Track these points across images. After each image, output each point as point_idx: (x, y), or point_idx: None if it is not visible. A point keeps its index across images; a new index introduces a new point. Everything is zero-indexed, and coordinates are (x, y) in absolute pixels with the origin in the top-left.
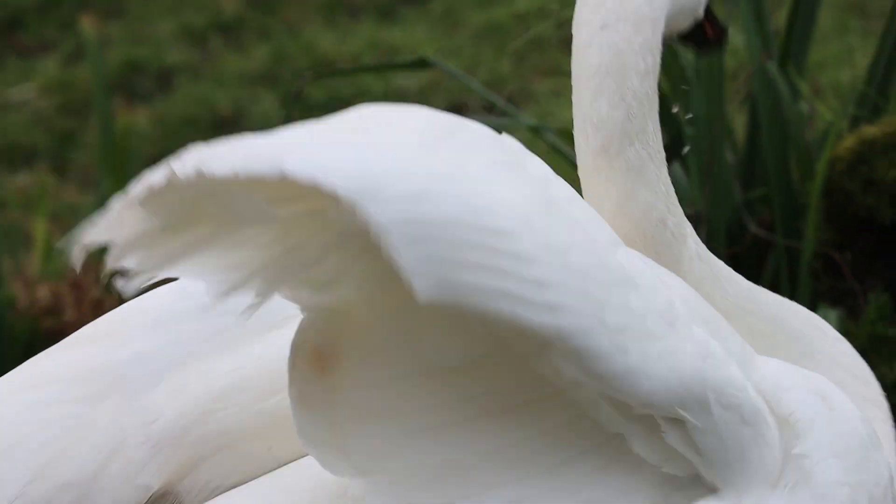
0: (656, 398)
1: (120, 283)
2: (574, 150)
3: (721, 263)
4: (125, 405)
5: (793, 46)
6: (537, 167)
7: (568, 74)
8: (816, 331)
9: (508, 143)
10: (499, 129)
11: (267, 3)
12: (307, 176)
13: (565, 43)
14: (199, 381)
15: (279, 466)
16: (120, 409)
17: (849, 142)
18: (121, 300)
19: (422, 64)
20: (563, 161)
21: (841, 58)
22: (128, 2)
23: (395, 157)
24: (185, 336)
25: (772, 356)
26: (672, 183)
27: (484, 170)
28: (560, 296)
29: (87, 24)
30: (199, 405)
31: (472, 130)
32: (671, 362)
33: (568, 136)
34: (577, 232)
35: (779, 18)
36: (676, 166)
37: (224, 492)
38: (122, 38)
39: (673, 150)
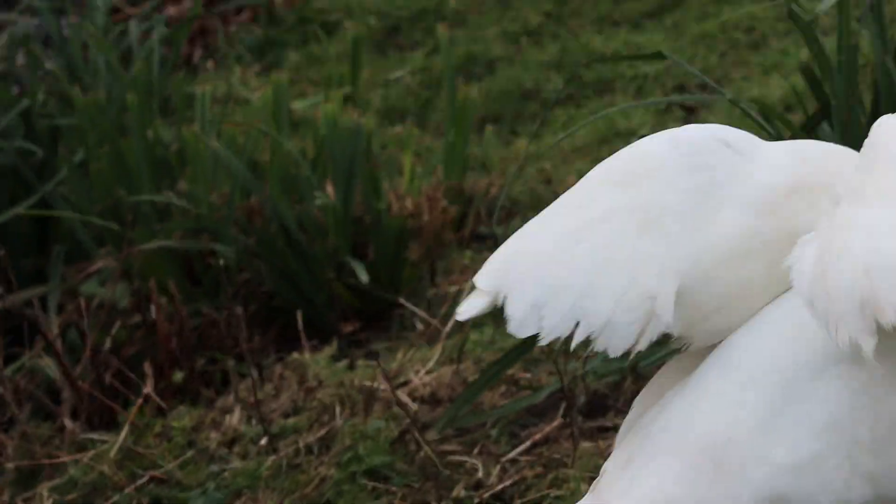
0: None
1: None
2: (760, 116)
3: None
4: (664, 252)
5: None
6: None
7: (754, 65)
8: None
9: None
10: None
11: (558, 18)
12: None
13: (753, 44)
14: (706, 241)
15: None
16: (661, 252)
17: None
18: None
19: (659, 56)
20: (751, 123)
21: None
22: (468, 16)
23: None
24: (698, 191)
25: None
26: (821, 137)
27: None
28: None
29: (442, 30)
30: (709, 266)
31: None
32: None
33: (756, 103)
34: None
35: (895, 28)
36: (825, 125)
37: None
38: (464, 38)
39: (823, 115)
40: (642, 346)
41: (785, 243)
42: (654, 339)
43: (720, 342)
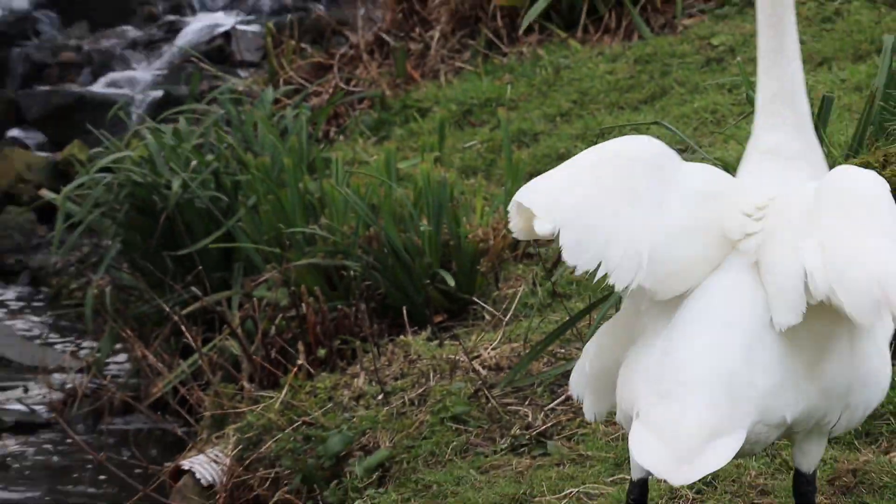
0: None
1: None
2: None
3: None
4: (643, 222)
5: (819, 125)
6: None
7: (717, 135)
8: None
9: None
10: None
11: (582, 104)
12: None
13: (716, 121)
14: (665, 219)
15: None
16: (642, 221)
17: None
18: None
19: (656, 123)
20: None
21: (839, 131)
22: (520, 103)
23: None
24: (661, 182)
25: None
26: None
27: None
28: None
29: (501, 113)
30: (668, 237)
31: None
32: None
33: (720, 161)
34: None
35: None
36: None
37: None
38: (517, 118)
39: None
40: (634, 285)
41: (711, 233)
42: (638, 284)
43: (683, 298)
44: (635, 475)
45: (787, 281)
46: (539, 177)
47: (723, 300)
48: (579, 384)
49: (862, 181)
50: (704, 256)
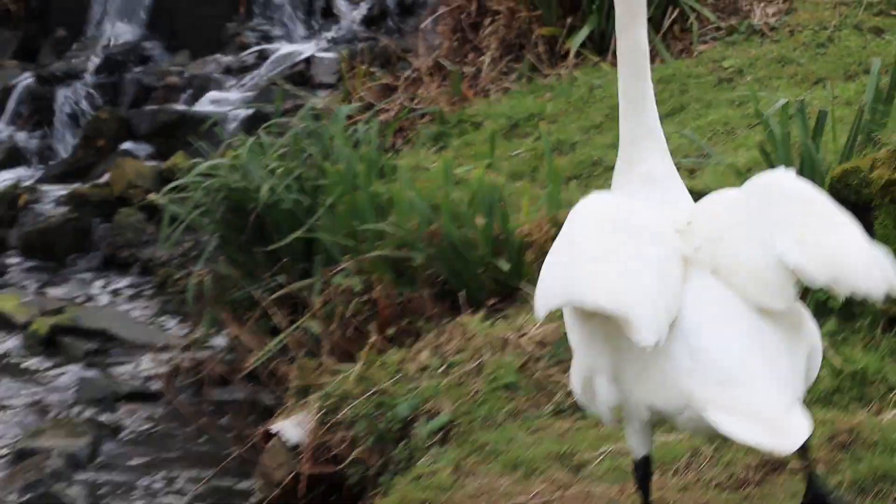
0: None
1: None
2: (734, 174)
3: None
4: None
5: (816, 135)
6: None
7: (729, 144)
8: None
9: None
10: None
11: (613, 117)
12: None
13: (728, 132)
14: (650, 261)
15: None
16: (647, 280)
17: (837, 171)
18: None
19: (678, 133)
20: (729, 178)
21: (833, 140)
22: (559, 117)
23: None
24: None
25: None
26: None
27: None
28: None
29: (543, 125)
30: (664, 275)
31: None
32: None
33: (731, 166)
34: None
35: (811, 121)
36: None
37: None
38: (556, 130)
39: None
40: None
41: (674, 255)
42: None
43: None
44: (638, 454)
45: (767, 272)
46: (569, 265)
47: (713, 304)
48: (602, 408)
49: (799, 183)
50: (680, 277)
